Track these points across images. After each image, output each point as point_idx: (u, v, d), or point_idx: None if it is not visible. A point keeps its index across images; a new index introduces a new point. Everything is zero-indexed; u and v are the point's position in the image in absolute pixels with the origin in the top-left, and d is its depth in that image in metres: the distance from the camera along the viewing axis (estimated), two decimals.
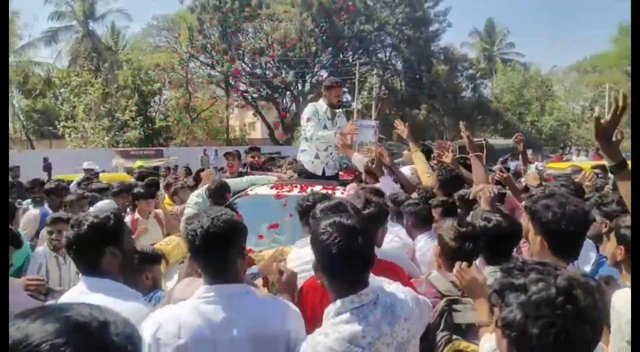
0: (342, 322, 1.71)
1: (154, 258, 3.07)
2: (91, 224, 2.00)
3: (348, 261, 1.73)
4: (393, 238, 3.19)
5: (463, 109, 40.22)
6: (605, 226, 2.44)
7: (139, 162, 15.07)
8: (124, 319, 0.86)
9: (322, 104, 5.28)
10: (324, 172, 5.32)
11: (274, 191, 4.84)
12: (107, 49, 33.84)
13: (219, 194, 4.73)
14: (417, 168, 4.85)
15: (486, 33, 45.64)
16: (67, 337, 0.72)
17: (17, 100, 33.23)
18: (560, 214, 2.12)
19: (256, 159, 7.19)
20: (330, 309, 1.77)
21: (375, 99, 35.34)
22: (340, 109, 5.43)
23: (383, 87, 38.03)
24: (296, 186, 4.92)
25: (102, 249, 2.00)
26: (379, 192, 3.22)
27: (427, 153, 5.22)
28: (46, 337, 0.71)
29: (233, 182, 5.41)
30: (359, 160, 4.90)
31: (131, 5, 71.93)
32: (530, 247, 2.31)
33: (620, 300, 1.88)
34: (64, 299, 2.04)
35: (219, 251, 1.79)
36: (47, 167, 18.85)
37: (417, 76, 39.08)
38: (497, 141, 26.41)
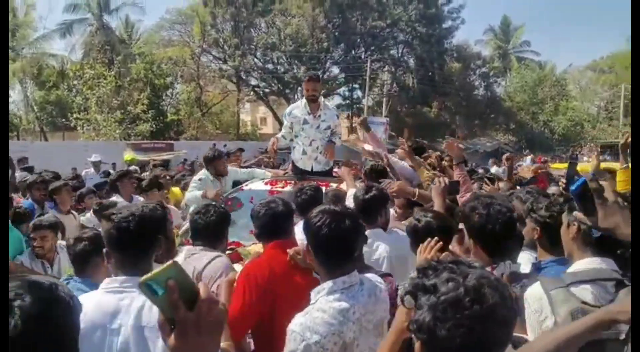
0: (336, 300, 1.94)
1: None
2: (143, 214, 1.94)
3: (338, 240, 1.97)
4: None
5: (475, 107, 39.98)
6: (537, 233, 2.43)
7: (128, 156, 14.83)
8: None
9: (301, 101, 5.32)
10: (312, 168, 5.30)
11: (268, 187, 4.88)
12: (121, 42, 34.06)
13: (215, 159, 5.24)
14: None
15: (501, 31, 45.21)
16: (26, 288, 1.02)
17: (30, 92, 33.61)
18: (485, 214, 2.19)
19: (271, 160, 7.26)
20: (323, 288, 1.98)
21: (386, 95, 35.27)
22: (324, 101, 5.38)
23: (394, 84, 37.91)
24: (290, 182, 4.95)
25: (156, 239, 1.96)
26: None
27: (419, 151, 5.19)
28: (12, 288, 1.01)
29: (233, 171, 5.60)
30: (368, 151, 5.00)
31: None
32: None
33: (532, 296, 1.91)
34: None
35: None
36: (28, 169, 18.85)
37: (430, 74, 38.88)
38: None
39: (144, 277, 0.90)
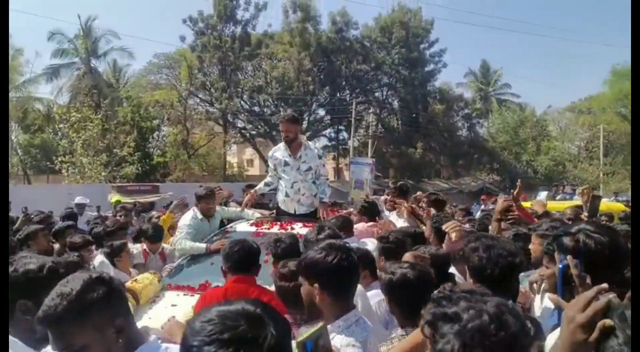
0: (355, 333, 1.99)
1: None
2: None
3: (347, 274, 2.03)
4: None
5: (459, 147, 40.54)
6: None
7: (115, 198, 14.70)
8: None
9: (282, 143, 5.31)
10: (295, 210, 5.26)
11: (254, 228, 4.85)
12: (108, 85, 34.31)
13: (208, 197, 5.11)
14: None
15: (481, 74, 46.44)
16: None
17: (15, 135, 33.46)
18: (486, 258, 2.14)
19: (249, 197, 7.19)
20: (338, 324, 2.00)
21: (371, 137, 35.64)
22: (306, 142, 5.39)
23: (379, 126, 38.42)
24: (276, 224, 4.92)
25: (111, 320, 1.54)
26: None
27: (404, 192, 5.19)
28: None
29: (221, 209, 5.57)
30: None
31: (133, 43, 73.60)
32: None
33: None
34: None
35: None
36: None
37: (414, 115, 39.55)
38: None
39: (301, 337, 1.12)
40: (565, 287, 1.66)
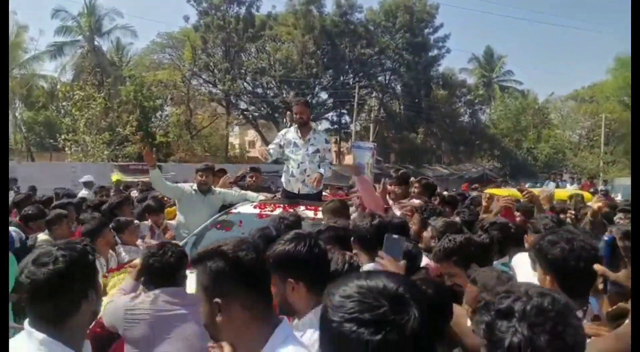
0: None
1: None
2: (70, 259, 1.61)
3: (321, 262, 1.93)
4: None
5: (460, 134, 40.60)
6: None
7: (115, 176, 14.63)
8: None
9: (294, 126, 5.58)
10: (299, 190, 5.44)
11: (257, 210, 4.99)
12: (111, 64, 34.25)
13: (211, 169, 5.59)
14: None
15: (485, 60, 46.25)
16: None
17: (19, 112, 33.54)
18: (568, 250, 2.04)
19: (254, 179, 7.32)
20: (311, 318, 1.83)
21: (373, 121, 35.73)
22: (316, 126, 5.72)
23: (382, 110, 38.46)
24: (279, 206, 5.04)
25: (85, 292, 1.64)
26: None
27: (405, 180, 5.24)
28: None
29: (226, 192, 5.80)
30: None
31: (137, 22, 73.08)
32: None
33: None
34: None
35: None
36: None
37: (416, 100, 39.53)
38: None
39: None
40: (611, 258, 1.78)
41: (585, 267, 2.02)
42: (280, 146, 5.53)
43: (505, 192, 7.79)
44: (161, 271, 2.76)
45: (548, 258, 2.07)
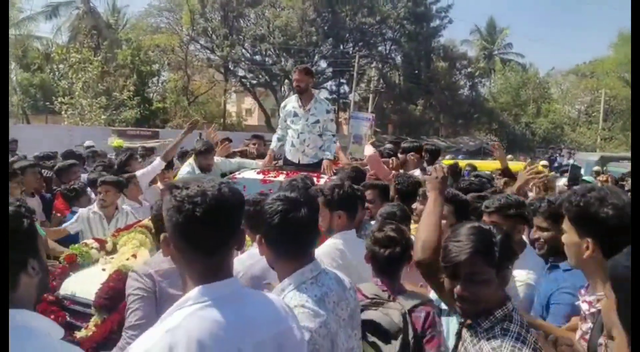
0: (309, 291, 1.77)
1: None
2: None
3: (293, 230, 1.78)
4: None
5: (459, 106, 40.44)
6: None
7: (116, 142, 14.40)
8: None
9: (294, 95, 5.51)
10: (299, 160, 5.44)
11: (260, 176, 5.02)
12: (108, 27, 33.69)
13: (211, 150, 5.30)
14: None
15: (487, 32, 45.69)
16: None
17: (15, 74, 33.11)
18: (621, 207, 1.76)
19: (256, 146, 7.17)
20: (288, 283, 1.79)
21: (372, 92, 35.47)
22: (318, 95, 5.62)
23: (381, 81, 38.13)
24: (282, 172, 5.09)
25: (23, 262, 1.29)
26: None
27: (417, 150, 5.32)
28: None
29: (222, 161, 5.69)
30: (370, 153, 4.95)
31: None
32: (568, 255, 1.95)
33: None
34: None
35: (226, 230, 1.40)
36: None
37: (416, 71, 39.19)
38: None
39: None
40: None
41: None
42: (284, 121, 5.51)
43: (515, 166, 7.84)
44: None
45: (600, 218, 1.76)
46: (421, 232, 2.12)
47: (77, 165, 6.22)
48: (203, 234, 1.35)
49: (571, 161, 17.72)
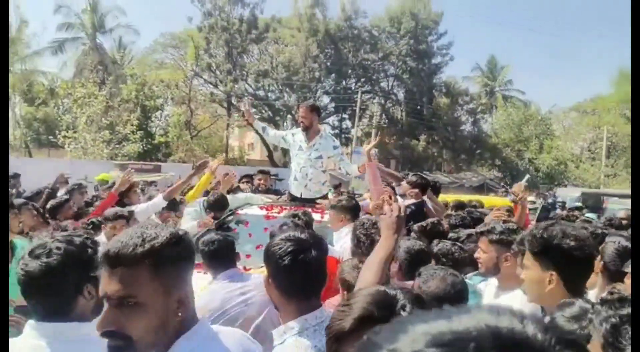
0: (310, 339, 1.67)
1: None
2: (65, 251, 1.53)
3: (302, 271, 1.72)
4: None
5: (462, 142, 40.51)
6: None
7: (101, 175, 13.99)
8: None
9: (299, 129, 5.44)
10: (301, 195, 5.34)
11: (264, 212, 4.86)
12: (113, 62, 34.14)
13: (220, 205, 4.94)
14: None
15: (488, 69, 46.21)
16: None
17: (19, 108, 33.35)
18: (582, 239, 1.85)
19: (262, 182, 7.15)
20: (291, 326, 1.71)
21: (375, 127, 35.62)
22: (325, 131, 5.60)
23: (384, 116, 38.35)
24: (286, 208, 4.93)
25: (80, 286, 1.54)
26: None
27: (423, 188, 5.13)
28: None
29: (230, 198, 5.51)
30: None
31: (140, 20, 73.01)
32: (529, 290, 2.00)
33: None
34: None
35: None
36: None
37: (418, 107, 39.47)
38: None
39: None
40: None
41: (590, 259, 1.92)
42: (283, 138, 5.56)
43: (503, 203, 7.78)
44: None
45: (562, 250, 1.85)
46: (365, 270, 1.98)
47: (69, 200, 5.97)
48: None
49: (549, 200, 17.38)
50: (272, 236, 2.74)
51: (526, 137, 40.88)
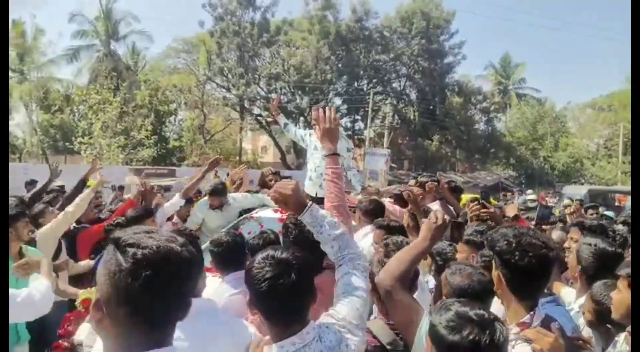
0: None
1: None
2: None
3: (280, 298, 1.63)
4: None
5: (476, 141, 40.21)
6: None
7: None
8: None
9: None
10: (316, 194, 5.32)
11: (278, 215, 4.86)
12: (127, 68, 34.51)
13: (219, 192, 5.33)
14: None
15: (501, 67, 45.80)
16: None
17: (35, 115, 33.84)
18: (515, 243, 1.91)
19: (274, 183, 7.13)
20: (277, 349, 1.65)
21: (388, 128, 35.51)
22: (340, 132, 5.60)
23: (396, 117, 38.23)
24: None
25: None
26: None
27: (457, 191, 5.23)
28: None
29: (242, 197, 5.57)
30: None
31: (153, 26, 73.67)
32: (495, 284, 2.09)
33: None
34: None
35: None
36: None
37: (431, 107, 39.26)
38: None
39: None
40: None
41: (534, 264, 1.90)
42: (302, 137, 5.70)
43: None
44: None
45: (496, 250, 1.98)
46: (394, 259, 2.13)
47: (50, 205, 5.82)
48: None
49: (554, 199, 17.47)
50: (253, 250, 2.87)
51: (541, 135, 40.45)
